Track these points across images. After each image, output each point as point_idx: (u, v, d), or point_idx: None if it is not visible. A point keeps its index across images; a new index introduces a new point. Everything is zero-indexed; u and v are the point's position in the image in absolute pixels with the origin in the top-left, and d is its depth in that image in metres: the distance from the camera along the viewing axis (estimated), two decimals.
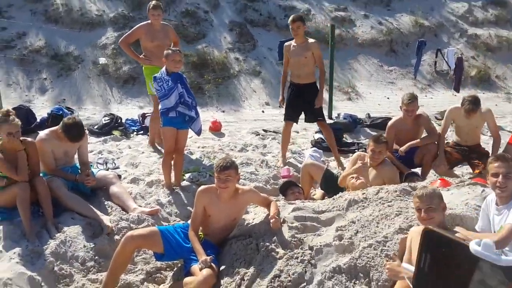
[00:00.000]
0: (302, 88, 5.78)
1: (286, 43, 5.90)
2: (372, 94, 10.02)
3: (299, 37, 5.67)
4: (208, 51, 10.00)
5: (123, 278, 3.47)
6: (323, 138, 6.55)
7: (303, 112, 5.97)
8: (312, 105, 5.77)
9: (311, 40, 5.79)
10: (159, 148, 6.06)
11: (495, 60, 11.79)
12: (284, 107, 6.05)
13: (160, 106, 4.67)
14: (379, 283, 2.76)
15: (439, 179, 4.15)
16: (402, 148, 5.00)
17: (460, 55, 10.09)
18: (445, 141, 5.28)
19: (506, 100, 10.48)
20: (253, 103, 9.07)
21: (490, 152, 4.99)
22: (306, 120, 6.15)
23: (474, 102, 4.78)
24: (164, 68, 4.69)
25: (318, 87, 5.87)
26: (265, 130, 7.41)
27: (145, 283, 3.53)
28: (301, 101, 5.81)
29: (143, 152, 6.04)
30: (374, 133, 7.63)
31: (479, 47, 11.82)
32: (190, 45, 10.14)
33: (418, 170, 5.21)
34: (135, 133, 7.05)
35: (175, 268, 3.66)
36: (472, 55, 11.72)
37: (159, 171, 5.20)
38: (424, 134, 5.28)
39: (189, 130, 4.91)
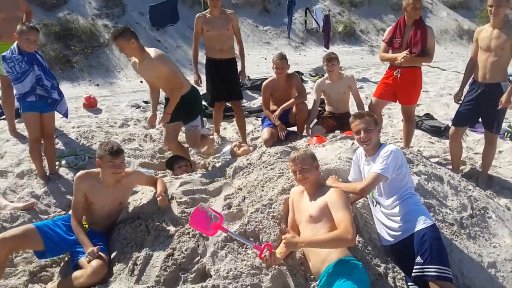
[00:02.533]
0: (223, 63, 5.38)
1: (199, 14, 5.39)
2: (251, 55, 10.16)
3: (218, 9, 5.27)
4: (72, 18, 9.12)
5: (3, 284, 3.13)
6: (206, 105, 6.50)
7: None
8: (235, 83, 5.49)
9: (229, 11, 5.47)
10: (25, 135, 5.46)
11: (358, 15, 12.75)
12: (208, 87, 5.60)
13: (14, 91, 4.13)
14: (269, 241, 2.90)
15: (315, 136, 4.43)
16: (276, 113, 5.20)
17: (327, 13, 10.66)
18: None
19: (370, 53, 11.49)
20: (130, 73, 8.59)
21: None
22: (230, 99, 5.70)
23: (330, 55, 5.32)
24: (15, 45, 4.12)
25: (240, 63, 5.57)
26: (145, 102, 7.11)
27: (30, 285, 3.23)
28: (223, 78, 5.40)
29: (7, 140, 5.38)
30: (255, 95, 7.83)
31: (344, 3, 12.65)
32: (50, 12, 9.14)
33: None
34: None
35: (62, 263, 3.41)
36: (339, 11, 12.51)
37: (29, 159, 4.71)
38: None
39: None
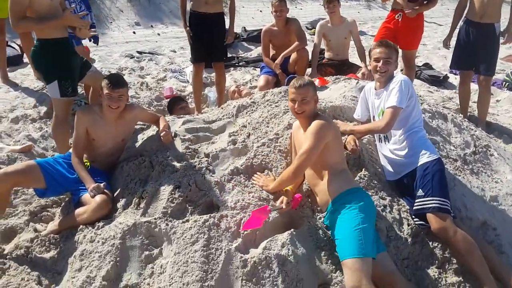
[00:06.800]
0: (208, 18, 4.70)
1: None
2: (246, 8, 9.92)
3: None
4: None
5: (3, 223, 3.10)
6: None
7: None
8: (219, 41, 4.78)
9: None
10: (17, 82, 5.33)
11: None
12: (191, 44, 4.87)
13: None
14: (276, 174, 2.88)
15: (317, 78, 4.36)
16: (277, 61, 5.05)
17: None
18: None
19: (366, 7, 11.27)
20: (122, 24, 8.34)
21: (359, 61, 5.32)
22: (212, 60, 4.94)
23: None
24: None
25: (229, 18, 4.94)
26: (139, 52, 6.93)
27: (31, 224, 3.20)
28: (210, 36, 4.74)
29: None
30: (251, 47, 7.67)
31: None
32: None
33: None
34: None
35: (63, 203, 3.37)
36: None
37: (23, 105, 4.60)
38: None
39: None
